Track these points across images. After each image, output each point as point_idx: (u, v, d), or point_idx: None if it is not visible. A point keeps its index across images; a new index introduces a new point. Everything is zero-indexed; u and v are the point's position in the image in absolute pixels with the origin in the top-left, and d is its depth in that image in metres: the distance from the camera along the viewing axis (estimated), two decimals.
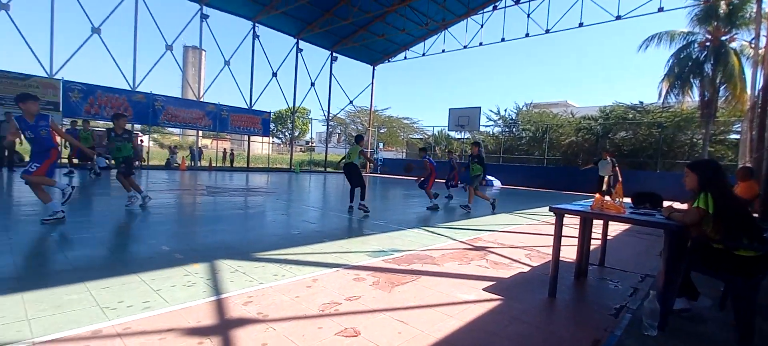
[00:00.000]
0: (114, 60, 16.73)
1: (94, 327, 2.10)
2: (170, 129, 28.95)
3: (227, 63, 20.84)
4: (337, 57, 26.70)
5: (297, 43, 24.41)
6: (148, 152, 19.78)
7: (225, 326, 2.23)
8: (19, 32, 14.43)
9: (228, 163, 25.19)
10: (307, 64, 25.23)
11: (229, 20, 22.71)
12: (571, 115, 26.93)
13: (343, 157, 7.61)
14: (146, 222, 5.38)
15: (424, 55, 25.92)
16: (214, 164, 22.77)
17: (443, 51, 24.54)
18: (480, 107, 21.08)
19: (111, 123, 7.13)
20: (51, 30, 15.14)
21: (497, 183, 20.20)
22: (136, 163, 16.71)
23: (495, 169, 22.30)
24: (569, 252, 4.21)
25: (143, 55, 18.27)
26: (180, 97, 20.37)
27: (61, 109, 15.16)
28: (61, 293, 2.54)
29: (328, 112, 27.72)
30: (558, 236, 2.86)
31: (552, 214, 3.00)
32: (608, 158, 11.05)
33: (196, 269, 3.23)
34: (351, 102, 28.61)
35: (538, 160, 24.77)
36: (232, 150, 25.93)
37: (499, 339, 2.23)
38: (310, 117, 43.59)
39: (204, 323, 2.25)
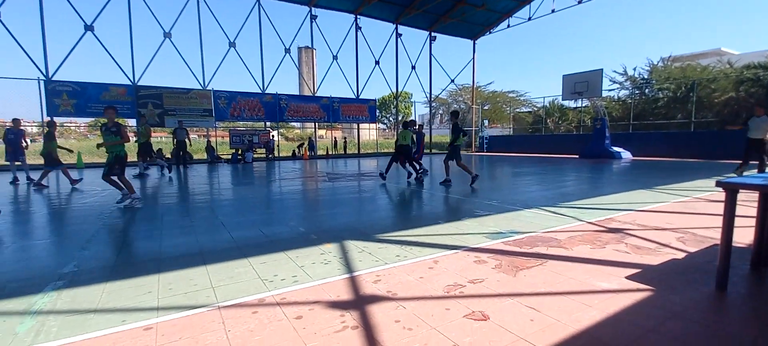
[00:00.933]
0: (247, 68, 19.45)
1: (259, 296, 2.49)
2: (292, 123, 32.37)
3: (335, 58, 22.22)
4: (435, 37, 26.20)
5: (396, 28, 24.65)
6: (278, 145, 22.47)
7: (360, 301, 2.42)
8: (180, 56, 17.66)
9: (340, 151, 27.11)
10: (406, 48, 25.39)
11: (334, 17, 24.13)
12: (728, 66, 21.69)
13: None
14: (284, 206, 6.14)
15: (530, 19, 23.74)
16: (329, 153, 24.75)
17: (553, 11, 22.12)
18: (601, 69, 18.48)
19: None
20: (201, 49, 18.17)
21: (627, 155, 17.61)
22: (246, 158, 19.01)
23: (623, 138, 19.45)
24: (738, 235, 3.44)
25: (267, 60, 20.65)
26: (298, 94, 22.54)
27: (213, 114, 18.22)
28: (232, 266, 3.07)
29: (430, 94, 27.56)
30: (729, 216, 2.34)
31: (713, 189, 2.47)
32: (764, 114, 8.24)
33: (329, 249, 3.56)
34: (452, 80, 27.89)
35: (680, 125, 20.79)
36: (344, 138, 27.79)
37: (657, 337, 1.95)
38: (412, 100, 43.87)
39: (343, 297, 2.48)
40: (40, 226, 4.89)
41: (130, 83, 16.51)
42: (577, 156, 19.24)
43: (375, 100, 25.06)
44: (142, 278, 2.84)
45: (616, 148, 17.77)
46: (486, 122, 30.29)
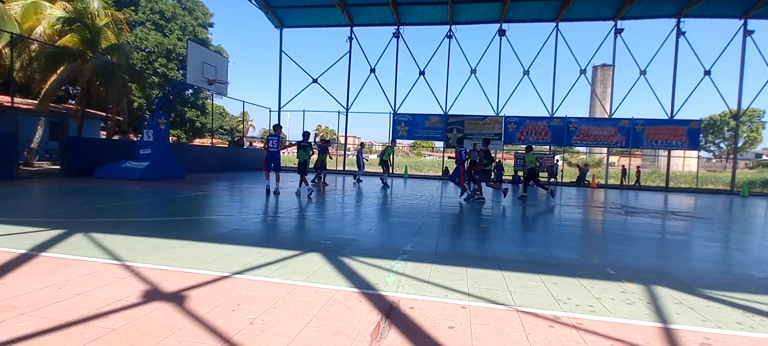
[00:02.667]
0: (537, 93, 19.47)
1: (554, 313, 2.52)
2: (577, 148, 29.54)
3: (643, 73, 18.60)
4: None
5: (744, 24, 17.86)
6: (561, 170, 21.16)
7: None
8: (481, 87, 19.97)
9: (631, 182, 22.14)
10: (759, 47, 17.78)
11: (641, 26, 20.24)
12: None
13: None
14: (570, 233, 5.79)
15: None
16: (625, 183, 20.83)
17: None
18: None
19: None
20: (498, 80, 19.85)
21: None
22: (551, 180, 18.31)
23: None
24: None
25: (557, 82, 19.99)
26: (589, 116, 20.36)
27: (502, 138, 19.45)
28: (525, 278, 3.25)
29: None
30: None
31: None
32: None
33: (631, 288, 3.10)
34: None
35: None
36: (637, 167, 22.51)
37: None
38: (763, 119, 30.60)
39: None
40: (388, 214, 6.83)
41: (443, 113, 20.18)
42: None
43: (699, 120, 19.10)
44: (454, 268, 3.48)
45: None
46: None
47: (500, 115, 19.68)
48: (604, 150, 22.80)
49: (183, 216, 5.57)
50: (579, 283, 3.19)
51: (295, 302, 2.52)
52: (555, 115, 19.52)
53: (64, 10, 14.50)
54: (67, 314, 2.18)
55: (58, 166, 12.61)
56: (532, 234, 5.51)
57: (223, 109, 42.27)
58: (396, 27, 20.19)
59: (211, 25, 29.42)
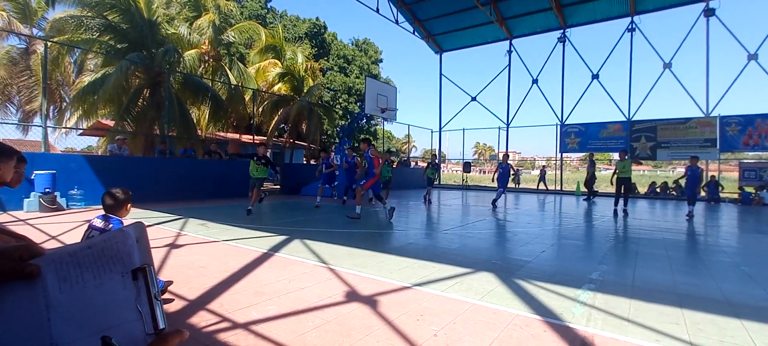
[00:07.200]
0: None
1: None
2: None
3: None
4: None
5: None
6: None
7: None
8: (680, 83, 15.91)
9: None
10: None
11: None
12: None
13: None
14: None
15: None
16: None
17: None
18: None
19: None
20: (706, 73, 15.41)
21: None
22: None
23: None
24: None
25: None
26: None
27: (717, 145, 14.86)
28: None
29: None
30: None
31: None
32: None
33: None
34: None
35: None
36: None
37: None
38: None
39: None
40: (561, 236, 6.09)
41: (625, 119, 16.91)
42: None
43: None
44: (662, 306, 2.81)
45: None
46: None
47: (712, 115, 15.08)
48: None
49: (366, 229, 6.36)
50: None
51: (474, 320, 2.51)
52: None
53: (281, 66, 19.07)
54: (296, 304, 2.78)
55: (278, 186, 16.40)
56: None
57: (390, 133, 46.63)
58: (561, 31, 18.26)
59: (380, 60, 33.27)
